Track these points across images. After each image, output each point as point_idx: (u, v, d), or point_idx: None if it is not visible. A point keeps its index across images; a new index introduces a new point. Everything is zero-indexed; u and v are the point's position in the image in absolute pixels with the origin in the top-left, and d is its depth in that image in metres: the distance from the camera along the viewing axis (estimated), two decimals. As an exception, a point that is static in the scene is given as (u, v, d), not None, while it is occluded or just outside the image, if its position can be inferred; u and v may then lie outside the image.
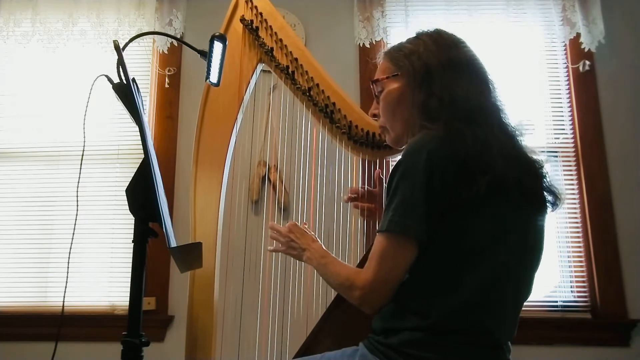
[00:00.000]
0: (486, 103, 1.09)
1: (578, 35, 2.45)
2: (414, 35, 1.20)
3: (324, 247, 1.24)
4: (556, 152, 2.46)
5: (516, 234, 1.03)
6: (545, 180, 1.08)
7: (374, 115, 1.27)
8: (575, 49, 2.48)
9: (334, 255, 1.20)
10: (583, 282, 2.33)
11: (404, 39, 1.21)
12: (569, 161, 2.45)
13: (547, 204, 1.09)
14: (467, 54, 1.14)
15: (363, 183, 1.48)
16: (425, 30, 1.19)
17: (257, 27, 1.58)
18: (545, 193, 1.08)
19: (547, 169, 1.10)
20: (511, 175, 1.00)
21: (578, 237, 2.37)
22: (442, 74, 1.09)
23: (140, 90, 1.28)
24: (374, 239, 1.05)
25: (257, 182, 2.34)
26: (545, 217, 1.10)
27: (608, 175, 2.38)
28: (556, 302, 2.31)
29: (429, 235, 0.99)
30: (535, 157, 1.09)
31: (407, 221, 0.98)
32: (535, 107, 2.49)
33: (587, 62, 2.45)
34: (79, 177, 1.41)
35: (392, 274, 1.01)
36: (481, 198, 0.97)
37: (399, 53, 1.18)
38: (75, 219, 1.25)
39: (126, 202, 1.12)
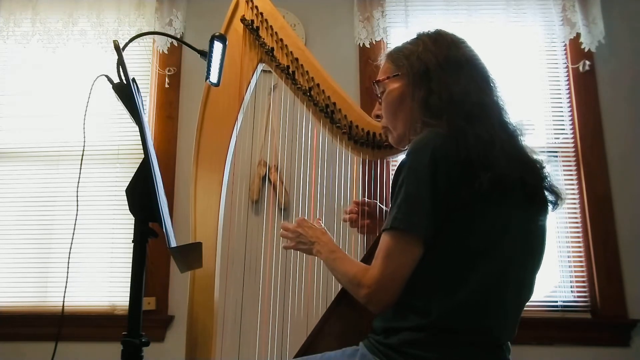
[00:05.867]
0: (487, 101, 1.10)
1: (578, 35, 2.45)
2: (415, 36, 1.21)
3: (333, 241, 1.23)
4: (556, 152, 2.46)
5: (518, 234, 1.03)
6: (546, 180, 1.09)
7: (377, 117, 1.29)
8: (575, 49, 2.47)
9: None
10: (583, 282, 2.33)
11: (405, 40, 1.23)
12: (569, 161, 2.45)
13: (548, 204, 1.09)
14: (466, 53, 1.15)
15: (364, 183, 1.48)
16: (426, 31, 1.21)
17: (257, 27, 1.58)
18: (546, 193, 1.09)
19: (548, 169, 1.11)
20: (513, 174, 1.00)
21: (578, 237, 2.36)
22: (440, 72, 1.11)
23: (140, 90, 1.28)
24: (374, 240, 1.05)
25: (258, 182, 2.34)
26: (546, 217, 1.10)
27: (608, 175, 2.38)
28: (556, 302, 2.31)
29: (434, 233, 0.99)
30: (536, 157, 1.10)
31: (413, 218, 0.98)
32: (535, 107, 2.49)
33: (587, 62, 2.45)
34: (79, 177, 1.42)
35: (398, 271, 1.00)
36: (483, 196, 0.97)
37: (399, 54, 1.20)
38: (75, 219, 1.25)
39: (126, 202, 1.12)
